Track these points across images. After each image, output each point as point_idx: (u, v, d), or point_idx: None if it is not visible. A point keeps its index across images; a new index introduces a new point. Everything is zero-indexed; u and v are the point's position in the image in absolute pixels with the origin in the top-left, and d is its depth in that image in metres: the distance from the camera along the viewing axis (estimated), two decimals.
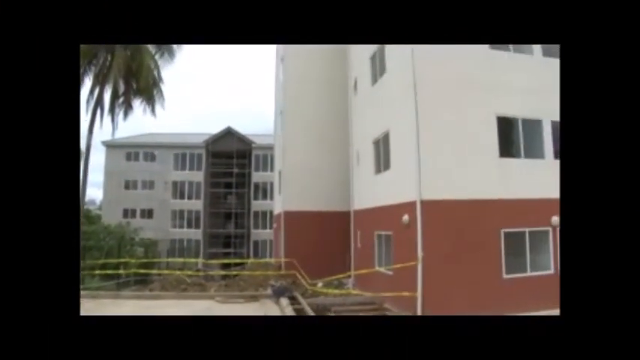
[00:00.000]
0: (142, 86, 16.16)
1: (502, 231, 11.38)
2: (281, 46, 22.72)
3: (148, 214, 44.02)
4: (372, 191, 15.17)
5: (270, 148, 33.11)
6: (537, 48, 12.72)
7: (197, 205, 45.21)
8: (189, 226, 44.95)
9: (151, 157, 45.53)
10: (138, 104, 17.02)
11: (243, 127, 63.76)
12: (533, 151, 12.06)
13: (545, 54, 12.67)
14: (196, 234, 44.62)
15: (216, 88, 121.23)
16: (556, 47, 12.88)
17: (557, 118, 11.87)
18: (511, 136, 11.94)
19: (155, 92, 16.94)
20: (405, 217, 11.58)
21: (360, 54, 16.20)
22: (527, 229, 11.64)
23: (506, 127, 11.83)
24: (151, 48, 16.53)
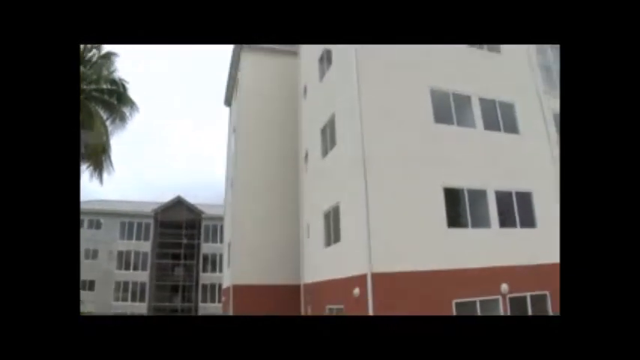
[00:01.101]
0: (90, 152, 15.64)
1: (454, 302, 11.22)
2: (234, 117, 22.84)
3: (89, 285, 41.48)
4: (322, 264, 14.91)
5: (221, 218, 32.56)
6: (479, 122, 13.21)
7: (143, 276, 43.67)
8: (134, 299, 43.17)
9: (96, 225, 43.87)
10: (84, 169, 16.38)
11: (193, 197, 63.01)
12: (480, 221, 12.23)
13: (487, 127, 13.22)
14: (141, 307, 42.86)
15: (168, 155, 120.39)
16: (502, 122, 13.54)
17: (500, 188, 12.26)
18: (458, 207, 12.10)
19: (104, 158, 16.40)
20: (356, 291, 11.31)
21: (311, 126, 16.37)
22: (478, 299, 11.55)
23: (453, 198, 12.00)
24: (103, 113, 16.13)
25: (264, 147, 20.12)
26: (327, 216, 14.34)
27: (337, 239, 13.42)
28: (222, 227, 32.52)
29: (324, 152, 14.88)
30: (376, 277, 10.80)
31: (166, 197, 45.75)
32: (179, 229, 44.11)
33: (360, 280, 11.15)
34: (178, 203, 45.03)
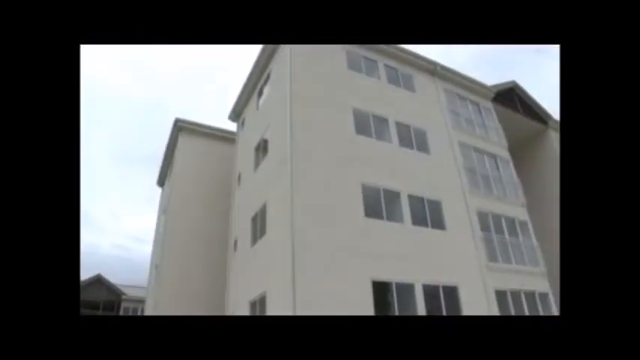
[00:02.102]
0: None
1: None
2: (166, 198, 22.38)
3: None
4: None
5: (142, 301, 30.75)
6: (408, 216, 13.69)
7: None
8: None
9: None
10: None
11: (116, 277, 59.55)
12: (408, 313, 12.33)
13: (415, 222, 13.83)
14: None
15: (95, 231, 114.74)
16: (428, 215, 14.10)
17: (426, 282, 12.51)
18: (386, 299, 12.19)
19: None
20: None
21: (243, 214, 16.36)
22: None
23: (381, 290, 12.18)
24: None
25: (194, 230, 19.63)
26: (253, 305, 13.96)
27: None
28: (142, 310, 30.64)
29: (254, 240, 14.75)
30: None
31: (86, 275, 42.95)
32: (96, 310, 41.06)
33: None
34: (98, 282, 42.14)
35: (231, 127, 21.07)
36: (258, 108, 17.44)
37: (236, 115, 20.09)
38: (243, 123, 19.37)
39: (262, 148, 15.73)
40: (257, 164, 15.97)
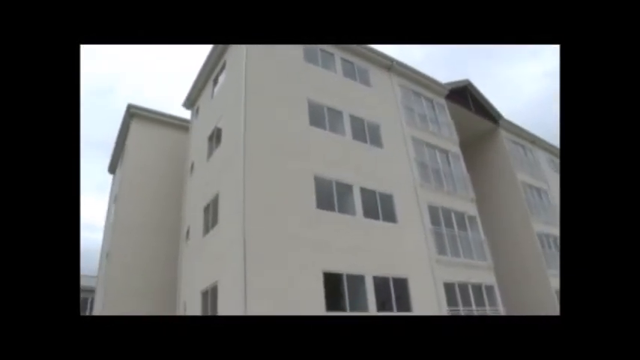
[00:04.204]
0: None
1: None
2: (117, 185, 21.80)
3: None
4: None
5: (92, 290, 29.93)
6: (360, 209, 13.86)
7: None
8: None
9: None
10: None
11: None
12: (358, 305, 12.59)
13: (367, 215, 14.07)
14: None
15: None
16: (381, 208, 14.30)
17: (377, 274, 12.70)
18: (338, 290, 12.31)
19: None
20: None
21: (195, 204, 16.16)
22: None
23: (332, 281, 12.30)
24: None
25: (145, 219, 19.20)
26: (204, 294, 13.85)
27: None
28: (92, 300, 29.85)
29: (206, 230, 14.60)
30: None
31: None
32: None
33: None
34: None
35: (186, 114, 20.73)
36: (212, 96, 17.19)
37: (190, 103, 19.75)
38: (197, 111, 19.06)
39: (216, 137, 15.53)
40: (210, 153, 15.77)
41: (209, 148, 16.02)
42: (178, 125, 21.35)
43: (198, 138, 17.72)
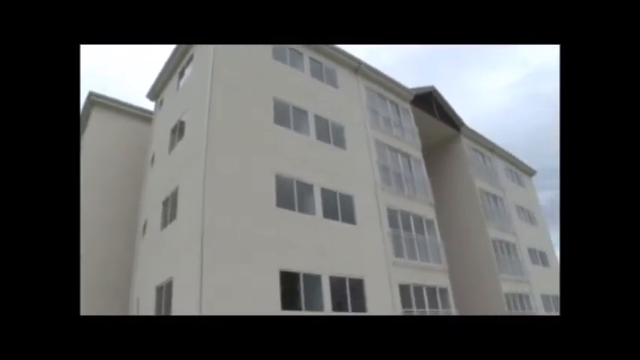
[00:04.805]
0: None
1: None
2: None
3: None
4: None
5: None
6: (320, 209, 14.00)
7: None
8: None
9: None
10: None
11: None
12: (314, 304, 12.73)
13: (326, 215, 14.16)
14: None
15: None
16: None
17: (333, 274, 12.84)
18: (294, 289, 12.38)
19: None
20: None
21: (154, 197, 15.93)
22: None
23: (289, 280, 12.38)
24: None
25: (102, 212, 18.73)
26: (159, 290, 13.69)
27: (168, 314, 12.79)
28: None
29: (164, 224, 14.42)
30: None
31: None
32: None
33: None
34: None
35: (150, 106, 20.38)
36: (178, 89, 16.97)
37: (155, 94, 19.43)
38: (161, 103, 18.77)
39: (179, 130, 15.34)
40: (172, 146, 15.57)
41: (171, 140, 15.82)
42: (141, 116, 20.94)
43: (161, 130, 17.46)
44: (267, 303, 11.63)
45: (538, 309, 23.07)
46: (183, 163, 13.95)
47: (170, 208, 14.17)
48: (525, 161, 32.32)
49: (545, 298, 24.71)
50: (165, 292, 13.05)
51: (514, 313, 20.71)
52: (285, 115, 15.04)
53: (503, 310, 20.02)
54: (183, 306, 11.63)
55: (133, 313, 15.53)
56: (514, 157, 30.67)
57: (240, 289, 11.32)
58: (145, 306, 14.47)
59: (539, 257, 27.51)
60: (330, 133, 16.29)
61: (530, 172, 33.74)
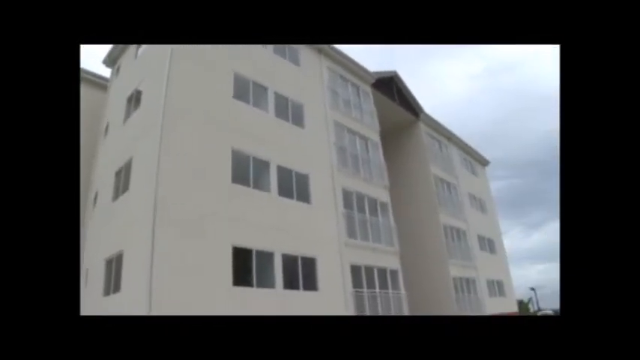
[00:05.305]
0: None
1: None
2: None
3: None
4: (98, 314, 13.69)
5: None
6: (275, 187, 14.06)
7: None
8: None
9: None
10: None
11: None
12: (265, 281, 12.84)
13: (281, 193, 14.32)
14: None
15: None
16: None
17: (286, 252, 12.97)
18: (246, 266, 12.44)
19: None
20: None
21: (106, 168, 15.52)
22: None
23: (241, 256, 12.40)
24: None
25: None
26: (108, 263, 13.46)
27: (117, 289, 12.61)
28: None
29: (115, 196, 14.11)
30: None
31: None
32: None
33: None
34: None
35: (106, 72, 19.75)
36: (136, 57, 16.48)
37: (112, 60, 18.77)
38: (118, 70, 18.19)
39: (135, 99, 14.94)
40: (128, 116, 15.16)
41: (127, 110, 15.39)
42: (96, 82, 20.25)
43: (117, 98, 16.95)
44: (219, 278, 11.65)
45: (483, 292, 24.05)
46: (138, 134, 13.63)
47: (123, 179, 13.85)
48: (479, 151, 33.21)
49: (490, 283, 25.74)
50: (115, 264, 12.84)
51: (460, 295, 21.56)
52: (245, 90, 14.89)
53: (450, 293, 20.77)
54: (133, 279, 11.51)
55: (82, 285, 15.23)
56: (469, 147, 31.46)
57: (191, 263, 11.27)
58: (93, 278, 14.22)
59: (487, 244, 28.56)
60: (290, 111, 16.26)
61: (483, 162, 34.72)
